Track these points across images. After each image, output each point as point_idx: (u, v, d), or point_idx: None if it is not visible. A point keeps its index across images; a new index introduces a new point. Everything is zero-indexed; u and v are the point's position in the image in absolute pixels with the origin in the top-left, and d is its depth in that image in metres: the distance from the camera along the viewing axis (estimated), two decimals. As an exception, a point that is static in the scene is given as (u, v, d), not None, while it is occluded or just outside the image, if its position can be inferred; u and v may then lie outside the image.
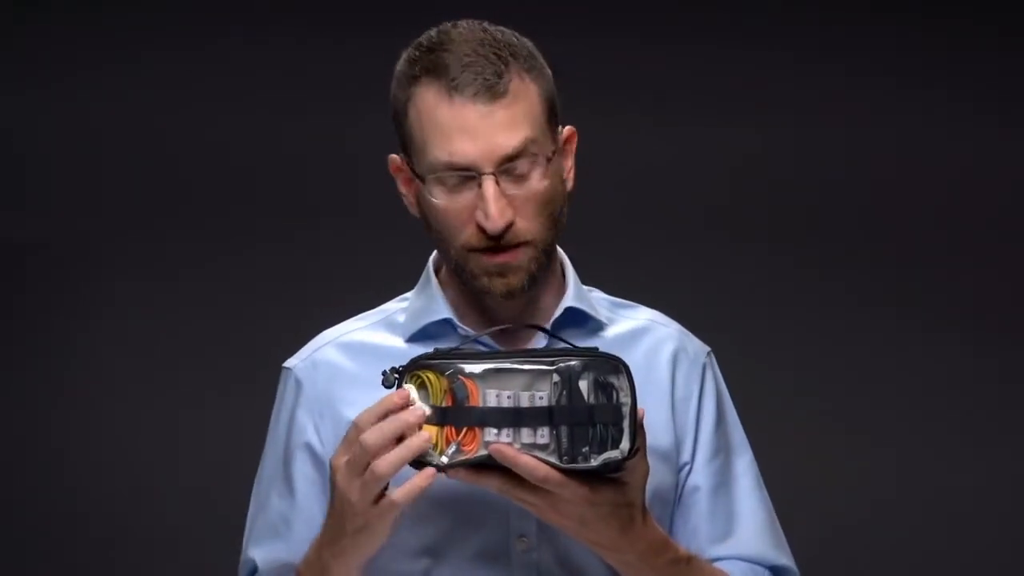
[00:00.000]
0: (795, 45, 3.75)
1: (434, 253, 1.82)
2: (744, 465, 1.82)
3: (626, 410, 1.54)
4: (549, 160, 1.69)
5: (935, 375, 3.73)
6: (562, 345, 1.62)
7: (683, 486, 1.79)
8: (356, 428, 1.54)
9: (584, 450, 1.53)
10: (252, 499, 1.83)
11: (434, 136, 1.68)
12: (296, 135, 3.73)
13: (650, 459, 1.65)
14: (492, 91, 1.66)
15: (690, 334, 1.86)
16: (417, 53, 1.72)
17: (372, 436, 1.52)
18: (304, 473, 1.75)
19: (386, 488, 1.54)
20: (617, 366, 1.55)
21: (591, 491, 1.54)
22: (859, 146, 3.77)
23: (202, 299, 3.70)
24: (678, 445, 1.78)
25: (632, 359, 1.75)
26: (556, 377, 1.54)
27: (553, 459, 1.52)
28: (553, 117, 1.72)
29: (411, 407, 1.52)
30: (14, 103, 3.73)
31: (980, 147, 3.76)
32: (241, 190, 3.74)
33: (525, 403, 1.53)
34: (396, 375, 1.54)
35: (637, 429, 1.54)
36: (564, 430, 1.53)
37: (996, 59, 3.76)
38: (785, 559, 1.80)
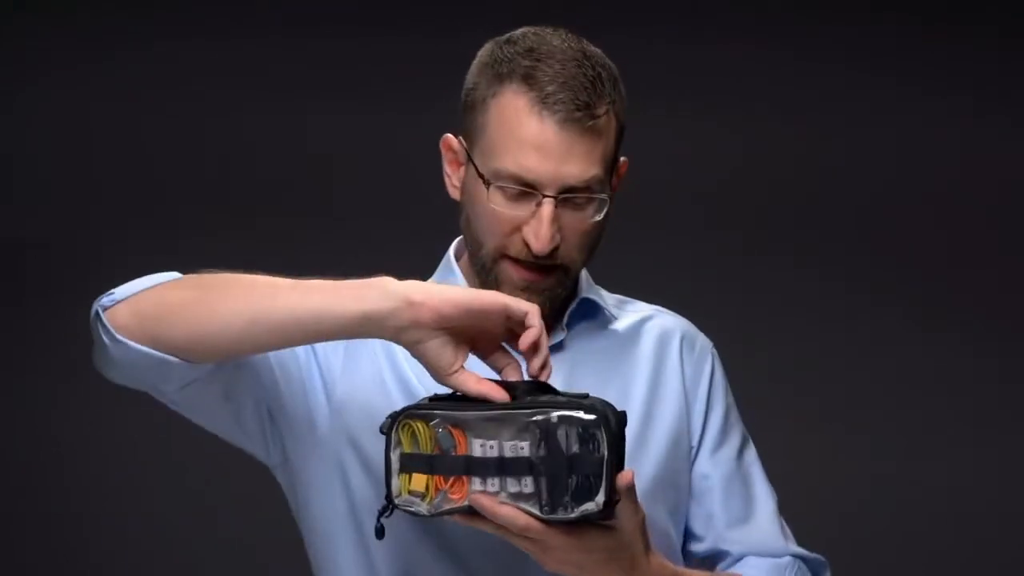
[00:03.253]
0: (795, 45, 3.75)
1: (455, 242, 1.83)
2: (752, 456, 1.85)
3: (604, 462, 1.51)
4: (607, 201, 1.69)
5: (935, 375, 3.73)
6: (547, 397, 1.58)
7: (691, 473, 1.81)
8: None
9: (564, 500, 1.51)
10: None
11: (510, 144, 1.66)
12: (296, 134, 3.74)
13: (663, 445, 1.71)
14: (580, 122, 1.65)
15: (695, 327, 1.88)
16: (512, 51, 1.69)
17: None
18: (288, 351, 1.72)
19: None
20: (596, 420, 1.51)
21: (580, 539, 1.53)
22: (859, 146, 3.78)
23: (202, 299, 3.70)
24: (689, 431, 1.80)
25: (643, 350, 1.80)
26: (536, 428, 1.52)
27: (535, 509, 1.51)
28: (617, 155, 1.73)
29: None
30: (13, 102, 3.73)
31: (980, 147, 3.76)
32: (242, 190, 3.74)
33: (508, 453, 1.52)
34: (390, 421, 1.54)
35: (614, 481, 1.51)
36: (544, 481, 1.51)
37: (996, 59, 3.76)
38: (799, 547, 1.83)
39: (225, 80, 3.73)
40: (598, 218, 1.69)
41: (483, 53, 1.72)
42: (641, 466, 1.71)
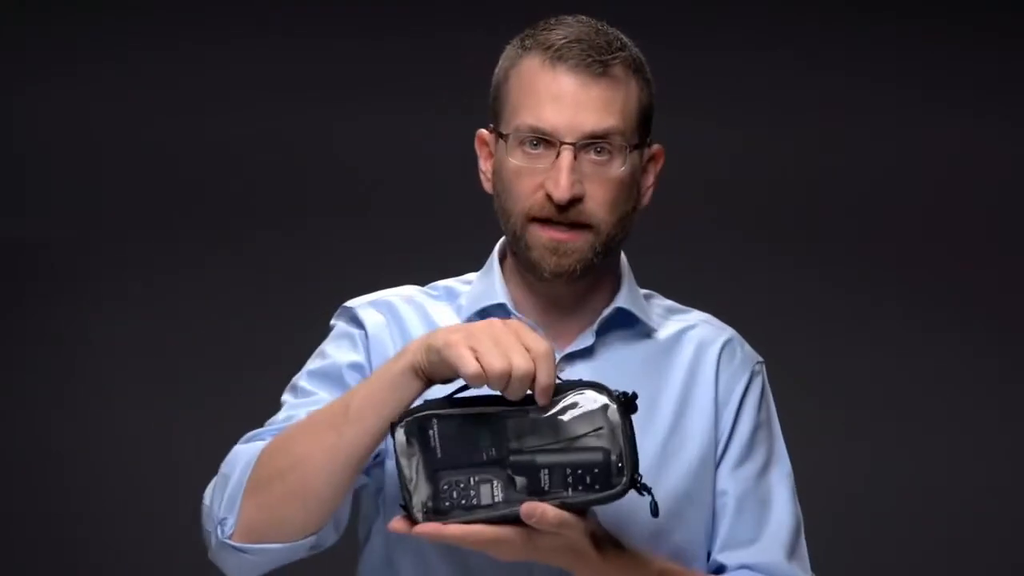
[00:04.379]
0: (795, 45, 3.75)
1: (501, 241, 1.83)
2: (779, 477, 1.82)
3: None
4: (631, 152, 1.71)
5: (935, 375, 3.73)
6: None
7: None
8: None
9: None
10: (286, 396, 1.79)
11: (528, 99, 1.70)
12: (297, 134, 3.74)
13: (690, 460, 1.72)
14: (592, 68, 1.69)
15: (743, 341, 1.86)
16: (529, 31, 1.74)
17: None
18: (356, 380, 1.74)
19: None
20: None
21: (532, 538, 1.54)
22: (859, 146, 3.78)
23: (202, 299, 3.70)
24: (716, 444, 1.79)
25: (679, 361, 1.79)
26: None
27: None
28: (644, 126, 1.74)
29: None
30: (14, 102, 3.73)
31: (980, 147, 3.76)
32: (241, 190, 3.74)
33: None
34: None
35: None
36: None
37: (996, 59, 3.76)
38: (801, 573, 1.79)
39: (226, 80, 3.73)
40: (622, 170, 1.70)
41: (507, 47, 1.76)
42: (666, 480, 1.71)
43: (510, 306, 1.77)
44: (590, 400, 1.53)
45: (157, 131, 3.73)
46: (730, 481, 1.78)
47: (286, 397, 1.77)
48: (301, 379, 1.77)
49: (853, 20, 3.77)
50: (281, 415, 1.73)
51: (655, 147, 1.77)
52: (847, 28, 3.77)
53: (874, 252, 3.76)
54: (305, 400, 1.73)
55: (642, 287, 1.89)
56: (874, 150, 3.78)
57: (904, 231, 3.76)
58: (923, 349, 3.74)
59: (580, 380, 1.55)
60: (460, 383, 1.57)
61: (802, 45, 3.76)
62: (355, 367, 1.76)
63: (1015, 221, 3.76)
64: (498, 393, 1.54)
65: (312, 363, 1.78)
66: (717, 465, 1.78)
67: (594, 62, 1.69)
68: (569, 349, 1.75)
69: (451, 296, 1.83)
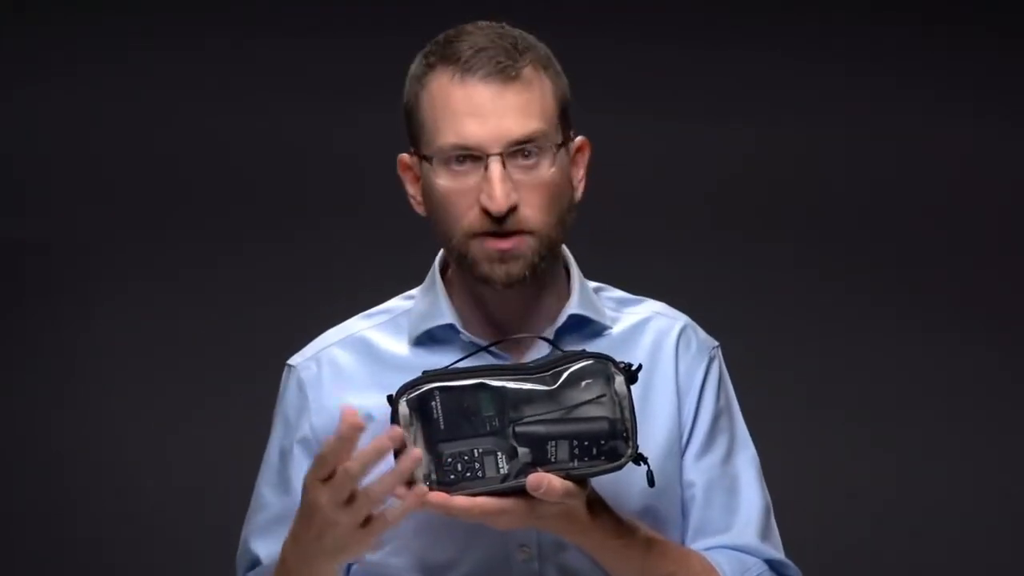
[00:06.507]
0: (795, 45, 3.75)
1: (440, 253, 1.81)
2: (745, 461, 1.82)
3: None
4: (557, 151, 1.69)
5: (935, 375, 3.73)
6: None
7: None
8: (327, 454, 1.52)
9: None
10: (255, 490, 1.83)
11: (444, 118, 1.68)
12: (296, 134, 3.74)
13: (656, 452, 1.69)
14: (503, 73, 1.67)
15: (697, 327, 1.85)
16: (432, 47, 1.73)
17: (356, 464, 1.50)
18: (301, 472, 1.75)
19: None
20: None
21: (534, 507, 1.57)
22: (859, 146, 3.78)
23: (202, 299, 3.70)
24: (680, 434, 1.78)
25: (637, 352, 1.77)
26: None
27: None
28: (565, 120, 1.72)
29: (394, 431, 1.52)
30: (13, 103, 3.73)
31: (980, 147, 3.76)
32: (241, 190, 3.74)
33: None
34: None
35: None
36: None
37: (996, 59, 3.76)
38: (778, 554, 1.79)
39: (226, 80, 3.73)
40: (552, 171, 1.68)
41: (412, 64, 1.75)
42: (631, 477, 1.68)
43: (459, 325, 1.76)
44: (592, 370, 1.55)
45: (157, 131, 3.73)
46: (696, 471, 1.78)
47: (254, 497, 1.84)
48: (259, 482, 1.83)
49: (853, 20, 3.77)
50: (248, 527, 1.83)
51: (579, 139, 1.76)
52: (847, 28, 3.77)
53: (874, 252, 3.76)
54: (263, 517, 1.81)
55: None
56: (874, 150, 3.78)
57: (904, 231, 3.76)
58: (923, 349, 3.73)
59: (583, 351, 1.57)
60: (459, 355, 1.63)
61: (802, 45, 3.76)
62: (288, 449, 1.79)
63: (1016, 221, 3.76)
64: (497, 362, 1.61)
65: (262, 467, 1.83)
66: (682, 454, 1.78)
67: (504, 67, 1.67)
68: (524, 361, 1.72)
69: (394, 319, 1.81)
